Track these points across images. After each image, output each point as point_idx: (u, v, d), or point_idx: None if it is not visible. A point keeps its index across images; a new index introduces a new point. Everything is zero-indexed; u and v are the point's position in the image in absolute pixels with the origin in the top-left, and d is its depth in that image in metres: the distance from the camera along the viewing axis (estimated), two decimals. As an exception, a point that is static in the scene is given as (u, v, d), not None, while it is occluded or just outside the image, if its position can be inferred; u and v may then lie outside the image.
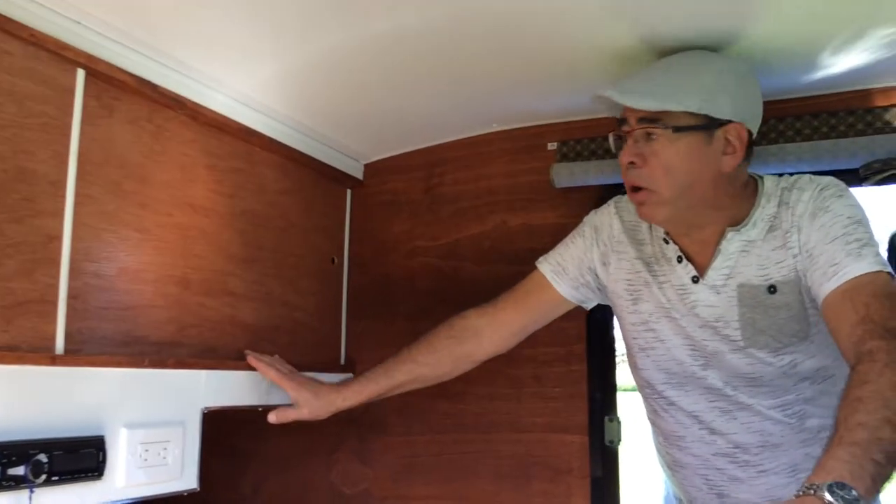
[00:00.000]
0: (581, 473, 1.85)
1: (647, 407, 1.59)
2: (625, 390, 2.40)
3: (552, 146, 1.94)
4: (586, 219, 1.63)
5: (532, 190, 1.97)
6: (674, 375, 1.50)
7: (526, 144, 1.99)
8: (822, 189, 1.37)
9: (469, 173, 2.05)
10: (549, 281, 1.62)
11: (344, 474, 2.04)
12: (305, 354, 1.90)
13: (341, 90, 1.74)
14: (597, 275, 1.60)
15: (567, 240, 1.64)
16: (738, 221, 1.42)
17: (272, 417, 1.60)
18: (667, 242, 1.49)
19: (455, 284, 2.01)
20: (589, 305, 1.68)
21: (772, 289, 1.38)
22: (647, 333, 1.53)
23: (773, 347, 1.40)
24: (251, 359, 1.63)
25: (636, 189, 1.40)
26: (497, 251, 1.99)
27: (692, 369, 1.47)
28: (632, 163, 1.39)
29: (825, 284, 1.29)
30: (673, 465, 1.57)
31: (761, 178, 1.45)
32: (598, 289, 1.62)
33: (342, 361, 2.07)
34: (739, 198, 1.42)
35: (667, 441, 1.56)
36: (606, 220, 1.59)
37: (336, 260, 2.05)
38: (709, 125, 1.35)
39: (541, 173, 1.95)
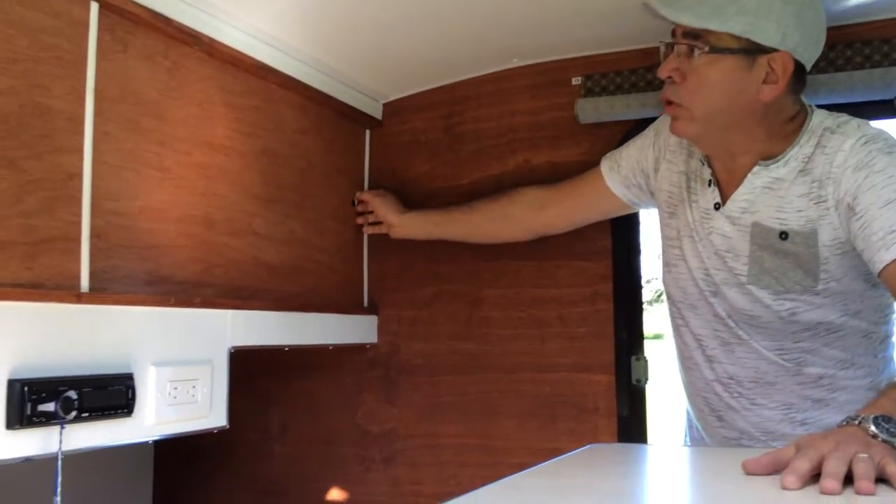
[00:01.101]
0: (607, 412, 1.85)
1: (670, 323, 1.63)
2: (647, 338, 2.40)
3: (576, 81, 1.89)
4: (655, 122, 1.64)
5: (556, 126, 1.93)
6: (689, 296, 1.53)
7: (549, 79, 1.94)
8: (866, 141, 1.30)
9: (490, 111, 2.01)
10: (602, 175, 1.68)
11: (370, 414, 2.05)
12: (328, 296, 1.90)
13: (358, 26, 1.69)
14: (648, 178, 1.62)
15: (632, 139, 1.67)
16: (771, 156, 1.39)
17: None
18: (702, 164, 1.49)
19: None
20: (641, 207, 1.72)
21: (783, 235, 1.36)
22: (673, 250, 1.56)
23: (775, 290, 1.39)
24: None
25: (670, 103, 1.39)
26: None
27: (703, 294, 1.50)
28: (670, 77, 1.37)
29: (884, 252, 1.24)
30: (684, 385, 1.63)
31: (813, 111, 1.40)
32: (651, 193, 1.64)
33: (365, 304, 2.06)
34: (779, 131, 1.38)
35: (680, 360, 1.61)
36: (668, 124, 1.54)
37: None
38: (752, 50, 1.30)
39: (565, 109, 1.90)
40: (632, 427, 1.84)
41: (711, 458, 1.24)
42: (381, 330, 2.05)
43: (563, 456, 1.17)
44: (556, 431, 1.89)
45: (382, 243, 2.06)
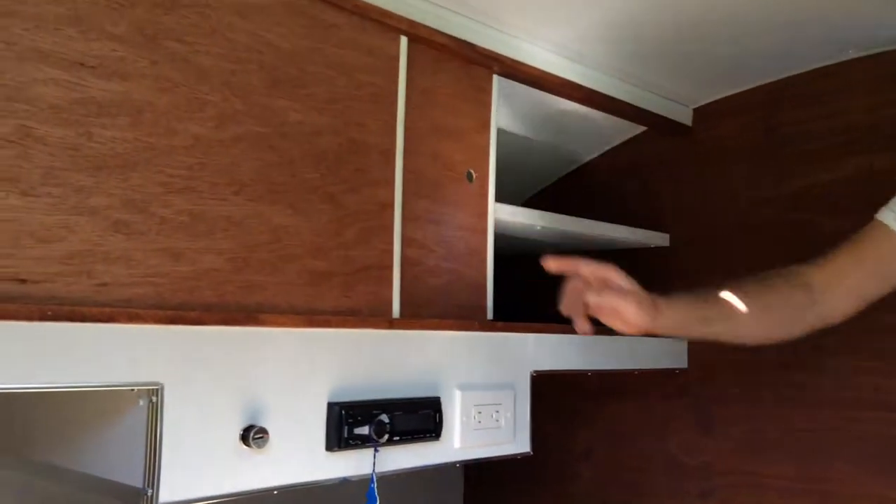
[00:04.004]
0: (977, 463, 1.53)
1: None
2: None
3: (928, 69, 1.60)
4: None
5: (902, 125, 1.65)
6: None
7: (893, 71, 1.67)
8: None
9: (819, 109, 1.78)
10: (893, 229, 1.30)
11: (682, 444, 1.91)
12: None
13: (668, 30, 1.58)
14: None
15: None
16: None
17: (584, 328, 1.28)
18: None
19: (805, 242, 1.75)
20: None
21: None
22: None
23: None
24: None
25: None
26: (858, 200, 1.69)
27: None
28: None
29: None
30: None
31: None
32: None
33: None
34: None
35: None
36: None
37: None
38: None
39: (913, 104, 1.62)
40: None
41: None
42: (693, 354, 1.91)
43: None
44: (908, 481, 1.61)
45: (692, 256, 1.92)
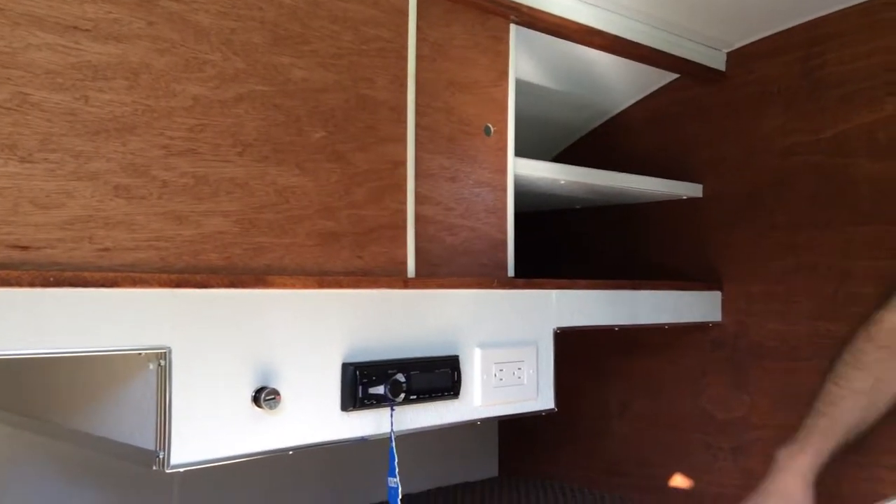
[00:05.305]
0: None
1: None
2: None
3: (980, -1, 1.50)
4: None
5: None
6: None
7: (939, 3, 1.57)
8: None
9: (861, 48, 1.69)
10: None
11: (716, 399, 1.88)
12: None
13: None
14: None
15: None
16: None
17: None
18: None
19: (844, 187, 1.69)
20: None
21: None
22: None
23: None
24: None
25: None
26: (900, 142, 1.63)
27: None
28: None
29: None
30: None
31: None
32: None
33: (708, 278, 1.89)
34: None
35: None
36: None
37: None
38: None
39: (962, 37, 1.52)
40: None
41: None
42: (727, 307, 1.86)
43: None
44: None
45: (726, 209, 1.86)
